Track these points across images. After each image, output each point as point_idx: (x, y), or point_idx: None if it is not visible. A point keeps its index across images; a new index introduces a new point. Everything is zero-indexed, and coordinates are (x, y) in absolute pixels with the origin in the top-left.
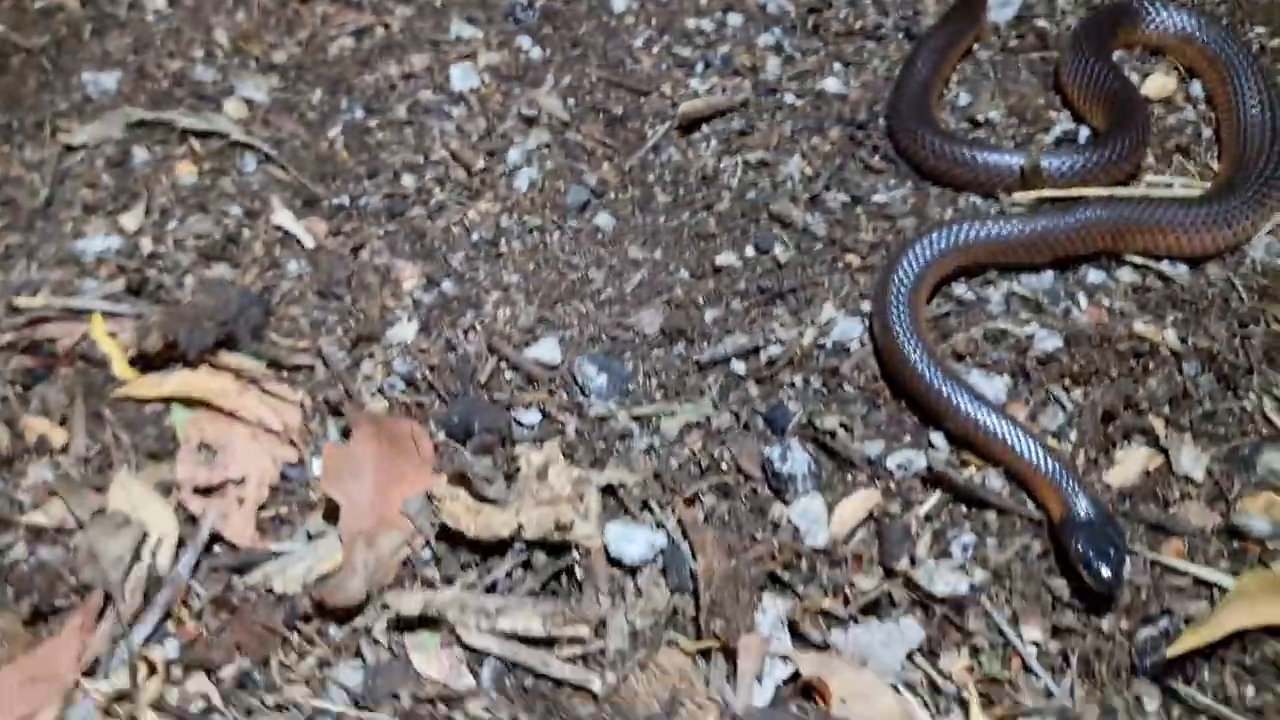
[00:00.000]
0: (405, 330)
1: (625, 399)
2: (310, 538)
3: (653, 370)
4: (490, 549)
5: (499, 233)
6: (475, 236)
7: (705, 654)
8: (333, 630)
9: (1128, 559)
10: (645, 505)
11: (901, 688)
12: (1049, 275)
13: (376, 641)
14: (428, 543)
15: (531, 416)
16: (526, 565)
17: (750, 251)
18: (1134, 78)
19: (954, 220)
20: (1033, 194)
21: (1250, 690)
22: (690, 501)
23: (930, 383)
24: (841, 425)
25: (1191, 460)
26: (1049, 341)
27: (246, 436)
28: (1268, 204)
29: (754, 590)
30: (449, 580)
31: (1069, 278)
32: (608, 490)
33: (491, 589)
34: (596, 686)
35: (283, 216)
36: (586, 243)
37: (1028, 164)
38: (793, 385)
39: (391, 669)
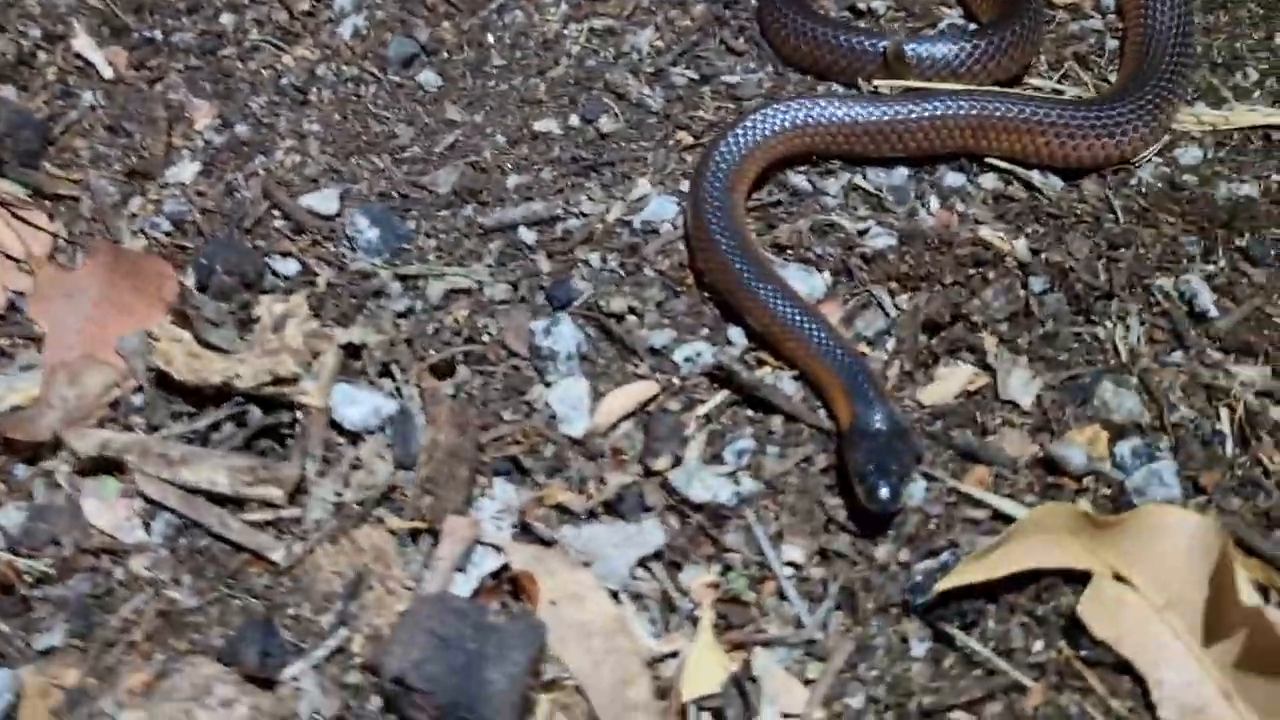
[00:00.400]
0: (185, 170)
1: (396, 257)
2: (22, 371)
3: (434, 231)
4: (206, 399)
5: (311, 80)
6: (284, 81)
7: (415, 535)
8: (19, 469)
9: (916, 481)
10: (386, 370)
11: (625, 596)
12: (902, 172)
13: (57, 485)
14: (141, 387)
15: (289, 266)
16: (240, 421)
17: (575, 120)
18: None
19: (788, 98)
20: (897, 83)
21: (1039, 644)
22: (440, 373)
23: (733, 270)
24: (631, 310)
25: (1020, 385)
26: (881, 239)
27: None
28: (1160, 117)
29: (474, 470)
30: (155, 429)
31: (924, 178)
32: (349, 350)
33: (193, 441)
34: (277, 556)
35: (84, 43)
36: (403, 99)
37: (891, 48)
38: (587, 262)
39: (58, 513)
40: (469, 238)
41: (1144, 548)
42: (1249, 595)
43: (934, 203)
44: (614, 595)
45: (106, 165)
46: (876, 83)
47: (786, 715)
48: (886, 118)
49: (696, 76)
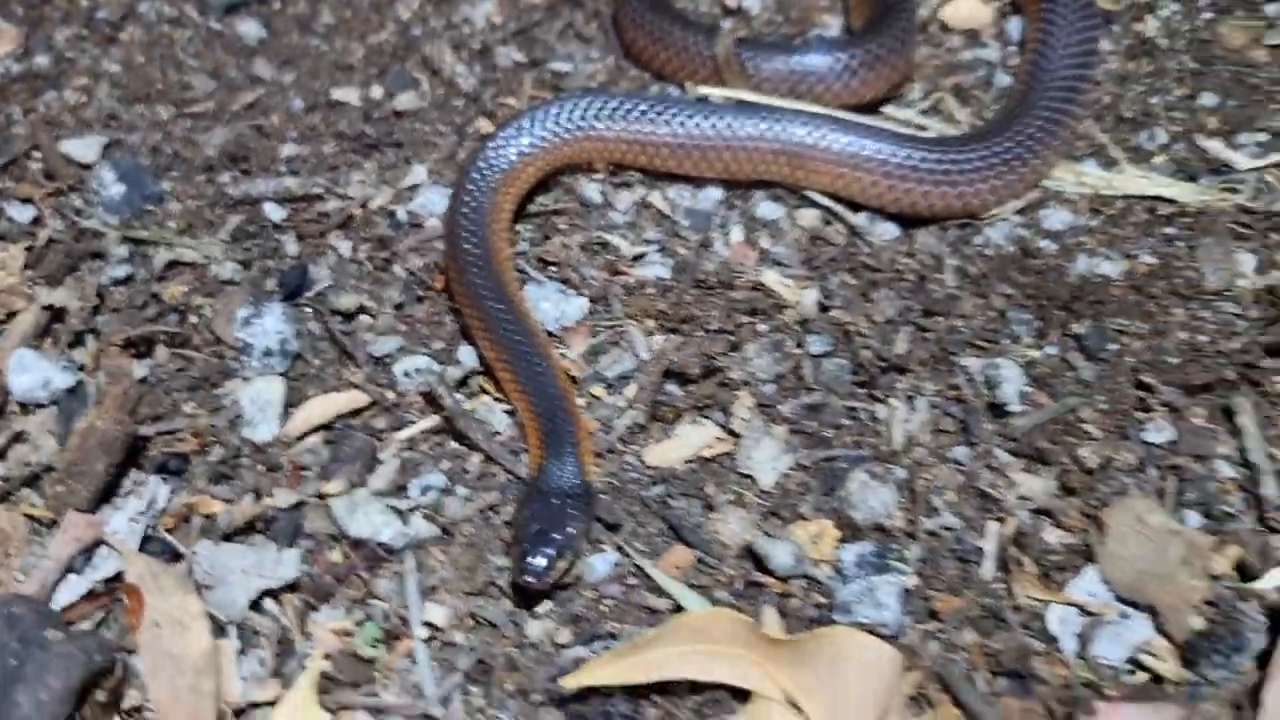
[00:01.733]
0: None
1: (136, 219)
2: None
3: (185, 195)
4: None
5: (128, 17)
6: (99, 15)
7: (52, 525)
8: None
9: (601, 553)
10: (79, 340)
11: (234, 631)
12: (713, 194)
13: None
14: None
15: (25, 213)
16: None
17: (376, 93)
18: None
19: (576, 97)
20: (727, 93)
21: None
22: (135, 351)
23: (466, 278)
24: (362, 309)
25: (766, 459)
26: (653, 269)
27: None
28: (1020, 170)
29: (119, 465)
30: None
31: (735, 204)
32: (51, 312)
33: None
34: None
35: None
36: (218, 49)
37: (721, 51)
38: (336, 250)
39: None
40: (214, 207)
41: (822, 675)
42: None
43: (736, 234)
44: (221, 628)
45: None
46: (704, 90)
47: None
48: (685, 133)
49: (524, 60)
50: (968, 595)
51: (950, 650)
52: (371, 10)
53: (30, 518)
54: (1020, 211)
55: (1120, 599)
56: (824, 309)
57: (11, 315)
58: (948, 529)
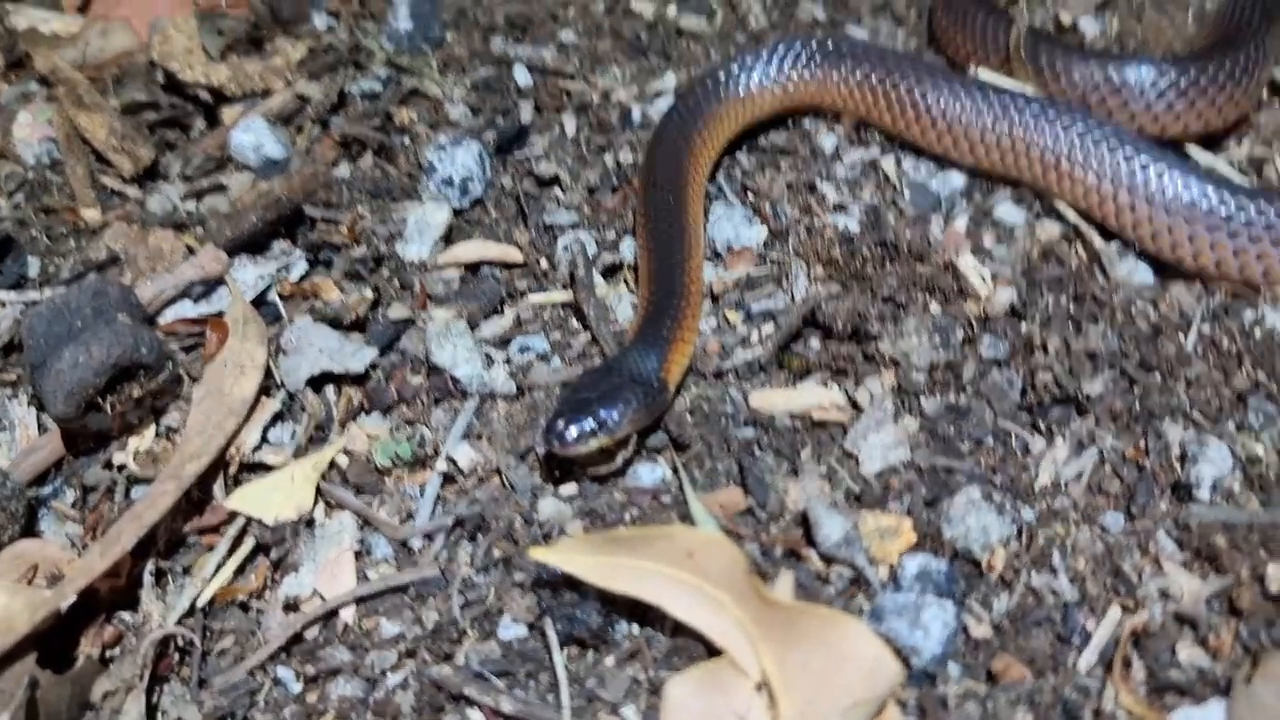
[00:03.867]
0: None
1: (408, 51)
2: None
3: (460, 44)
4: None
5: None
6: None
7: None
8: None
9: (625, 448)
10: (307, 127)
11: (283, 395)
12: (955, 179)
13: None
14: None
15: (322, 21)
16: None
17: (671, 11)
18: None
19: (826, 38)
20: (1009, 82)
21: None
22: (347, 151)
23: (652, 176)
24: (557, 179)
25: (880, 445)
26: (848, 221)
27: None
28: None
29: (271, 219)
30: None
31: (976, 196)
32: (300, 100)
33: None
34: None
35: None
36: None
37: (1014, 39)
38: (562, 125)
39: None
40: (475, 58)
41: (809, 661)
42: None
43: (959, 223)
44: (273, 389)
45: None
46: (985, 74)
47: None
48: (937, 106)
49: (824, 18)
50: (1043, 674)
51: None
52: None
53: (189, 248)
54: None
55: None
56: (1016, 314)
57: (268, 93)
58: (1056, 594)
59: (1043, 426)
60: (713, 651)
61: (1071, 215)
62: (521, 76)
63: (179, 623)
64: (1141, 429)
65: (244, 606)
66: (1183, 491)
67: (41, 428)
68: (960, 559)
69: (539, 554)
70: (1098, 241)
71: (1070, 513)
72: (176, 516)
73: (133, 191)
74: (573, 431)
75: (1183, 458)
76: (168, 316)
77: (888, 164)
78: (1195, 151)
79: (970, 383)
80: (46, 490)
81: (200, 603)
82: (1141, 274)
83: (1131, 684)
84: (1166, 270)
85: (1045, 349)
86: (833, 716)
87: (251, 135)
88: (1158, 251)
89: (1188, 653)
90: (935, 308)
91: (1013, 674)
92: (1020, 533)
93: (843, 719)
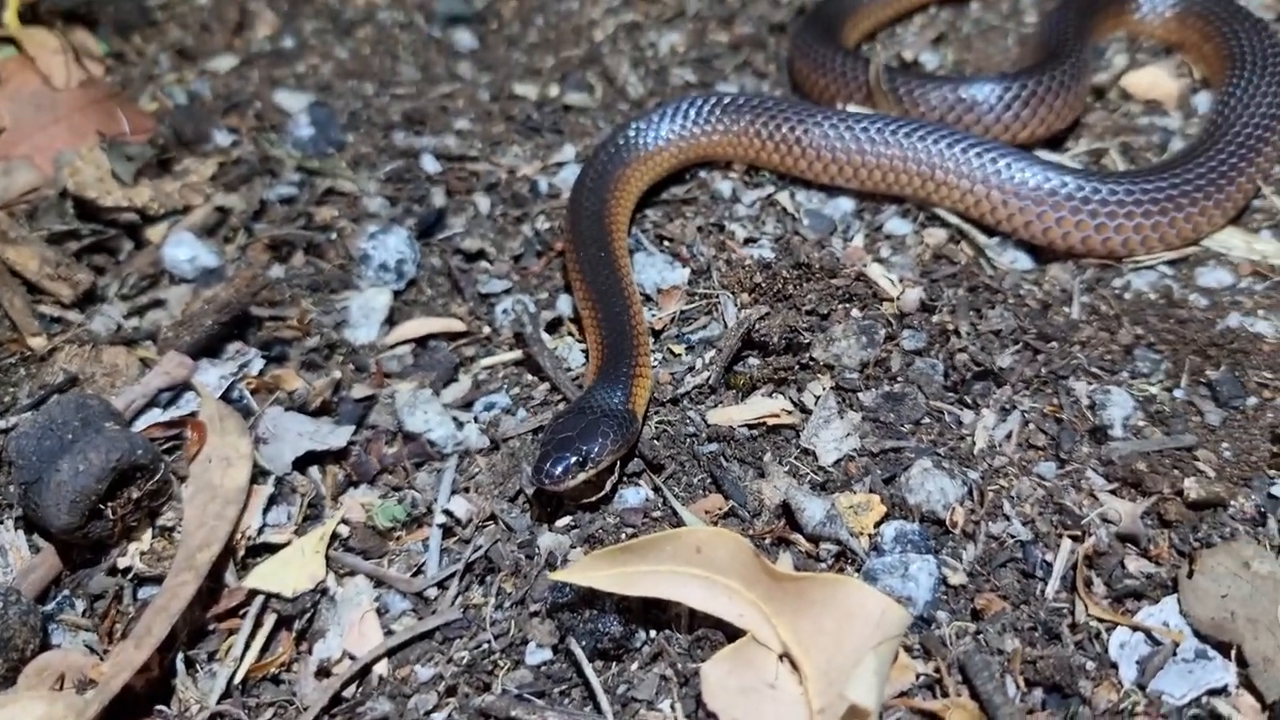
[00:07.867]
0: None
1: (314, 155)
2: None
3: (362, 144)
4: None
5: (368, 20)
6: (345, 16)
7: None
8: None
9: (608, 478)
10: (233, 236)
11: (273, 480)
12: (845, 204)
13: None
14: None
15: (227, 138)
16: None
17: (553, 91)
18: None
19: (713, 95)
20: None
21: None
22: (277, 253)
23: (579, 233)
24: (482, 252)
25: (832, 438)
26: (761, 251)
27: None
28: (1195, 208)
29: (224, 322)
30: None
31: (866, 216)
32: (220, 212)
33: None
34: None
35: None
36: (433, 51)
37: (872, 74)
38: (476, 205)
39: None
40: (381, 154)
41: (822, 624)
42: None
43: (856, 240)
44: (262, 475)
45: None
46: (853, 109)
47: None
48: (822, 139)
49: (695, 81)
50: (1020, 605)
51: (985, 651)
52: (573, 33)
53: (142, 361)
54: (1172, 263)
55: (1200, 635)
56: (926, 309)
57: (189, 209)
58: (1013, 537)
59: (969, 400)
60: (731, 636)
61: (953, 219)
62: (429, 164)
63: (218, 704)
64: (1052, 389)
65: (275, 680)
66: (1099, 434)
67: (34, 548)
68: (927, 520)
69: (559, 576)
70: (980, 238)
71: (1009, 468)
72: (194, 606)
73: (74, 315)
74: (560, 468)
75: (1092, 406)
76: (140, 425)
77: (784, 198)
78: (1043, 153)
79: (899, 373)
80: (50, 606)
81: (235, 681)
82: (1022, 260)
83: (1095, 598)
84: (1042, 254)
85: (958, 333)
86: (852, 668)
87: (184, 249)
88: (1031, 238)
89: (1135, 564)
90: (856, 313)
91: (994, 608)
92: (971, 491)
93: (867, 666)
